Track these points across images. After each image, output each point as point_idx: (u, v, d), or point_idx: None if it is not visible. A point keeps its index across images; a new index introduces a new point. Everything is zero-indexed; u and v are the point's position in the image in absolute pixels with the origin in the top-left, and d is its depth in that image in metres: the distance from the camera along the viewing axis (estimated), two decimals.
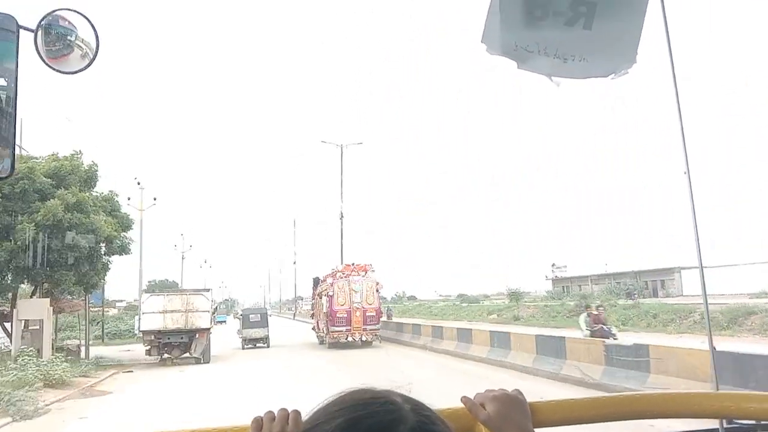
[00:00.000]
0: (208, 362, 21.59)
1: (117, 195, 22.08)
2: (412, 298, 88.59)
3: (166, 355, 21.52)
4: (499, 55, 2.06)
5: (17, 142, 1.63)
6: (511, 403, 1.02)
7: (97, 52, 1.63)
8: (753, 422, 1.39)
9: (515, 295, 47.69)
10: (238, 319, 32.77)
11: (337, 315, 24.26)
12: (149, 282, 57.61)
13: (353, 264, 26.13)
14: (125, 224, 21.75)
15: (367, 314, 24.35)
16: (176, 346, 21.47)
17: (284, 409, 0.91)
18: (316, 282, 29.81)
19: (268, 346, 27.37)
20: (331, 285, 25.28)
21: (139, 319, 22.90)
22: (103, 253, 20.52)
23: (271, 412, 0.91)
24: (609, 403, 1.19)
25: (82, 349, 23.19)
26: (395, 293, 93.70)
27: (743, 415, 1.26)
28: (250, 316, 28.77)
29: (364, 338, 24.48)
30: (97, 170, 20.58)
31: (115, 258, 21.42)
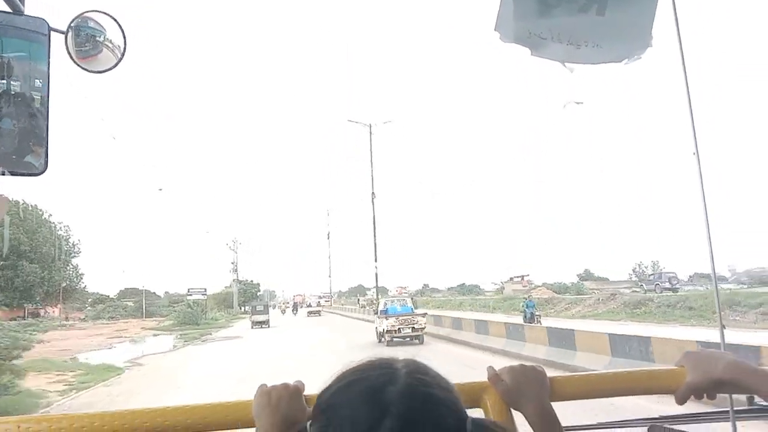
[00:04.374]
0: None
1: None
2: (435, 290, 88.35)
3: None
4: (512, 42, 2.09)
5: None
6: (528, 375, 1.04)
7: (124, 51, 1.70)
8: None
9: None
10: (250, 309, 48.54)
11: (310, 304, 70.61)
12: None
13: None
14: None
15: (317, 303, 69.72)
16: None
17: (287, 383, 0.99)
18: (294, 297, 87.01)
19: (268, 327, 41.68)
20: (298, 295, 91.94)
21: None
22: None
23: (274, 385, 0.99)
24: (628, 377, 1.16)
25: None
26: (423, 285, 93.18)
27: None
28: (257, 306, 46.07)
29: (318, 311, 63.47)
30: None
31: None
